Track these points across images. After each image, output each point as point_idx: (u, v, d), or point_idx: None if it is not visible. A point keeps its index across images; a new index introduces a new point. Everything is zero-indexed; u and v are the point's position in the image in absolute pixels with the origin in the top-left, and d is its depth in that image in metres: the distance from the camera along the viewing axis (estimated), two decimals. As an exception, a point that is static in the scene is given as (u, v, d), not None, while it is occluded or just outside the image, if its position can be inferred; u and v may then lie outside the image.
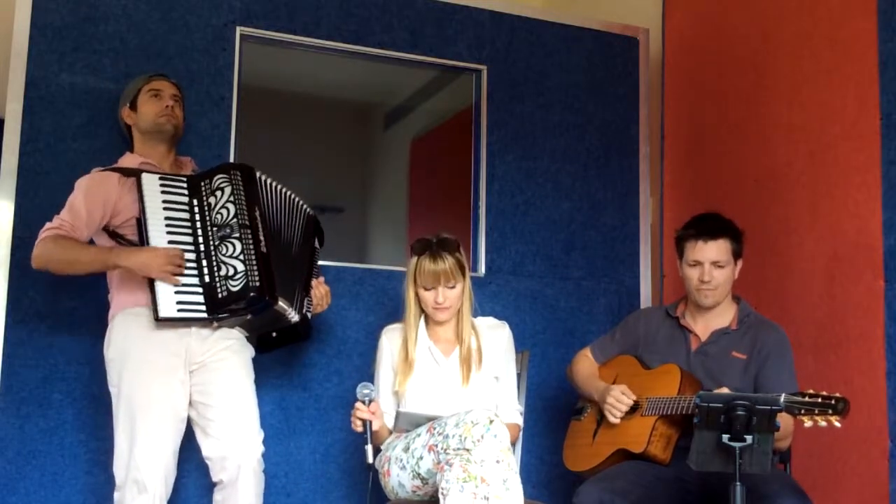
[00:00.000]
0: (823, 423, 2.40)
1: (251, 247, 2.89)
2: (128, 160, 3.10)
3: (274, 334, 3.11)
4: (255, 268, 2.86)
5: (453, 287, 2.94)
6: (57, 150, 3.30)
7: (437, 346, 3.01)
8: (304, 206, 3.18)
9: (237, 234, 2.90)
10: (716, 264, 2.99)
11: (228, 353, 2.99)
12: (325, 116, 5.47)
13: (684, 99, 4.11)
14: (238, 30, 3.58)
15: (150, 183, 2.94)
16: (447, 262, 2.92)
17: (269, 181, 3.07)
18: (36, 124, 3.30)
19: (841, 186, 3.26)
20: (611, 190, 4.04)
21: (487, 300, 3.66)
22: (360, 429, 2.81)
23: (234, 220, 2.91)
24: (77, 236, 2.92)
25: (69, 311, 3.26)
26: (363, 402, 2.83)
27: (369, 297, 3.61)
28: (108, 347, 2.96)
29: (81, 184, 2.99)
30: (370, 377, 3.04)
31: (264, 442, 3.06)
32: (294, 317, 2.99)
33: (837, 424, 2.40)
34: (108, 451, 3.19)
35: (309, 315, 3.09)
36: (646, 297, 4.02)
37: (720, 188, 3.82)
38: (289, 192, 3.13)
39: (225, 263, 2.88)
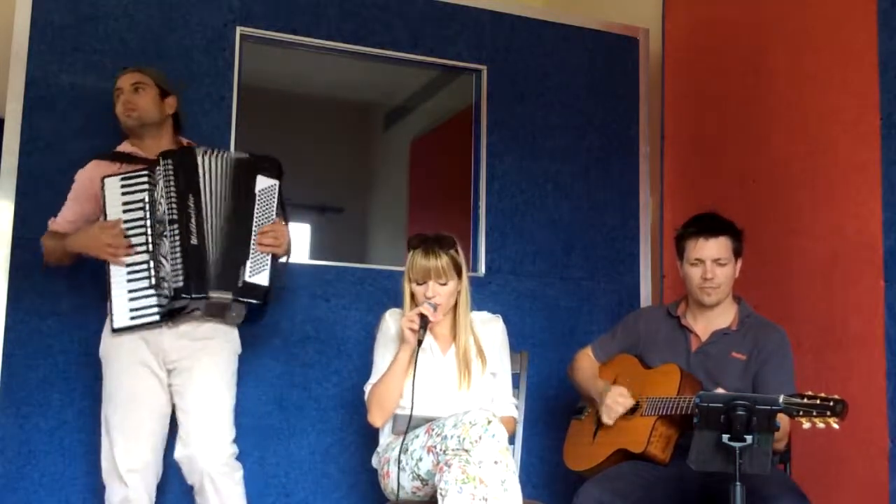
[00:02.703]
0: (822, 425, 2.40)
1: (177, 243, 2.87)
2: (123, 146, 3.13)
3: (233, 313, 3.00)
4: (179, 266, 2.85)
5: (444, 284, 2.93)
6: (57, 150, 3.30)
7: (435, 342, 3.01)
8: (243, 157, 3.04)
9: (166, 232, 2.89)
10: (717, 262, 2.99)
11: (203, 354, 2.97)
12: (325, 116, 5.48)
13: (684, 98, 4.11)
14: (238, 30, 3.58)
15: (112, 187, 2.94)
16: (440, 259, 2.91)
17: (209, 158, 2.98)
18: (36, 124, 3.30)
19: (841, 186, 3.26)
20: (611, 190, 4.05)
21: (487, 300, 3.66)
22: (415, 327, 2.84)
23: (165, 215, 2.90)
24: (63, 229, 2.99)
25: (69, 311, 3.26)
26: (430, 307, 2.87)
27: (369, 297, 3.61)
28: (100, 346, 3.02)
29: (76, 176, 3.08)
30: (370, 374, 3.03)
31: (265, 442, 3.07)
32: (227, 297, 2.90)
33: (836, 426, 2.40)
34: (108, 451, 3.20)
35: (259, 279, 2.94)
36: (646, 297, 4.02)
37: (720, 188, 3.82)
38: (228, 155, 3.03)
39: (161, 264, 2.89)
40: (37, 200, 3.25)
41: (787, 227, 3.47)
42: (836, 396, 2.41)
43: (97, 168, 3.03)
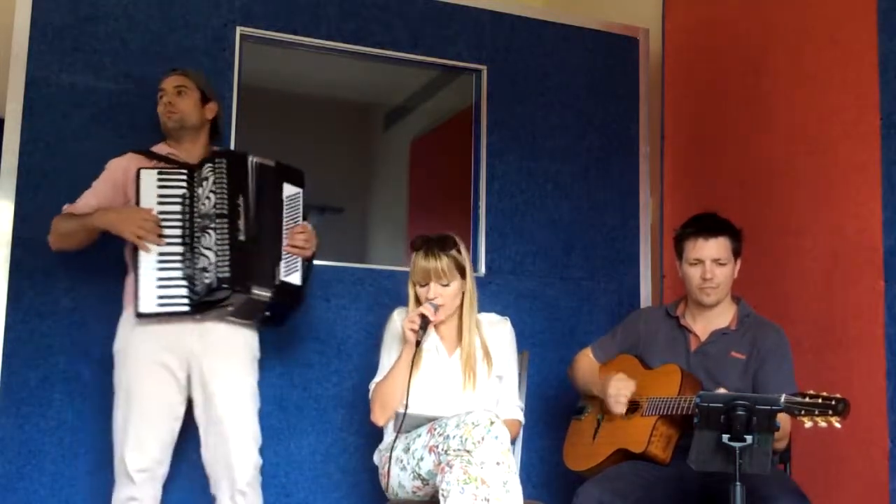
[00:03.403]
0: (824, 424, 2.40)
1: (225, 236, 2.88)
2: (159, 147, 3.15)
3: (267, 313, 3.04)
4: (226, 258, 2.86)
5: (447, 285, 2.93)
6: (57, 150, 3.30)
7: (441, 344, 3.01)
8: (269, 164, 3.07)
9: (214, 225, 2.89)
10: (717, 262, 2.99)
11: (230, 360, 2.99)
12: (325, 116, 5.48)
13: (684, 99, 4.11)
14: (238, 30, 3.58)
15: (148, 179, 2.96)
16: (440, 261, 2.91)
17: (257, 162, 3.02)
18: (36, 124, 3.30)
19: (841, 186, 3.26)
20: (611, 190, 4.05)
21: (487, 300, 3.66)
22: (415, 327, 2.84)
23: (213, 209, 2.91)
24: (83, 211, 2.98)
25: (69, 311, 3.26)
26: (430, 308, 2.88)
27: (369, 297, 3.61)
28: (115, 340, 3.02)
29: (109, 164, 3.09)
30: (370, 376, 3.04)
31: (265, 442, 3.07)
32: (267, 295, 2.92)
33: (837, 425, 2.40)
34: (109, 450, 3.20)
35: (293, 279, 3.00)
36: (646, 297, 4.02)
37: (720, 188, 3.82)
38: (266, 162, 3.06)
39: (202, 255, 2.89)
40: (37, 200, 3.25)
41: (787, 227, 3.47)
42: (837, 396, 2.41)
43: (133, 160, 3.05)
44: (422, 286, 2.94)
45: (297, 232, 3.01)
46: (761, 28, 3.69)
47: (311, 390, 3.51)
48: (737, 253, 3.04)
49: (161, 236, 2.89)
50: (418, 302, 2.96)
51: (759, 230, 3.47)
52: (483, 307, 3.18)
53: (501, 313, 3.15)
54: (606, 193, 4.04)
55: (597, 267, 3.97)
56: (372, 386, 2.98)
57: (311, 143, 5.29)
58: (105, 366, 3.25)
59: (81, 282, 3.25)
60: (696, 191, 3.97)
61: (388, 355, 3.00)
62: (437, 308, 2.90)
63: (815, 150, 3.39)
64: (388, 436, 2.96)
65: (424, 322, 2.86)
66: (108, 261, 3.13)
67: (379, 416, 2.93)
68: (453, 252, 2.95)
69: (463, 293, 2.98)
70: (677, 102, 4.14)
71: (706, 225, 3.03)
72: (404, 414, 2.80)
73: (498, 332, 3.07)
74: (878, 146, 3.09)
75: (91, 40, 3.40)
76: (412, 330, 2.86)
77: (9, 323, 3.19)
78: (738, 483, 2.29)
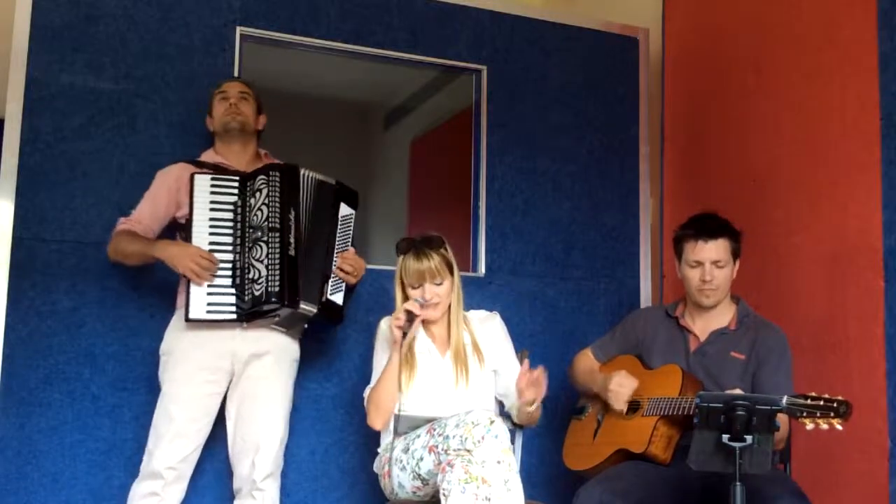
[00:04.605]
0: (825, 426, 2.40)
1: (277, 250, 2.95)
2: (207, 156, 3.21)
3: (307, 326, 3.16)
4: (276, 272, 2.92)
5: (440, 284, 2.94)
6: (57, 150, 3.30)
7: (433, 345, 3.01)
8: (330, 182, 3.17)
9: (265, 238, 2.96)
10: (716, 264, 2.99)
11: (272, 362, 3.07)
12: (325, 116, 5.48)
13: (684, 99, 4.11)
14: (238, 30, 3.58)
15: (202, 183, 3.02)
16: (432, 260, 2.92)
17: (309, 176, 3.10)
18: (36, 124, 3.29)
19: (841, 186, 3.26)
20: (611, 190, 4.05)
21: (487, 300, 3.66)
22: (400, 323, 2.84)
23: (265, 222, 2.97)
24: (139, 228, 3.06)
25: (69, 310, 3.25)
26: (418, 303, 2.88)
27: (369, 297, 3.60)
28: (163, 342, 3.09)
29: (156, 177, 3.15)
30: (370, 375, 3.03)
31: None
32: (313, 310, 3.01)
33: (839, 427, 2.39)
34: (108, 451, 3.21)
35: (338, 298, 3.11)
36: (646, 297, 4.02)
37: (720, 188, 3.82)
38: (320, 178, 3.14)
39: (253, 267, 2.96)
40: (37, 200, 3.25)
41: (787, 227, 3.47)
42: (839, 398, 2.40)
43: (185, 170, 3.10)
44: (415, 288, 2.94)
45: (347, 257, 3.11)
46: (761, 28, 3.69)
47: (311, 390, 3.51)
48: (736, 254, 3.04)
49: (213, 275, 2.95)
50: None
51: (759, 230, 3.47)
52: (483, 307, 3.18)
53: (502, 313, 3.14)
54: (606, 193, 4.04)
55: (597, 267, 3.97)
56: (366, 393, 2.98)
57: (311, 143, 5.28)
58: (105, 366, 3.26)
59: (81, 282, 3.25)
60: (696, 191, 3.97)
61: (379, 362, 3.00)
62: (423, 304, 2.89)
63: (815, 150, 3.39)
64: (385, 439, 2.96)
65: (410, 317, 2.87)
66: (109, 261, 3.15)
67: (375, 420, 2.93)
68: (442, 251, 2.96)
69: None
70: (677, 102, 4.14)
71: (706, 227, 3.03)
72: (398, 416, 2.81)
73: (488, 327, 3.07)
74: (878, 146, 3.09)
75: (91, 40, 3.39)
76: (398, 327, 2.86)
77: (9, 323, 3.19)
78: (738, 483, 2.29)
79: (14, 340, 3.19)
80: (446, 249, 2.97)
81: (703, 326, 3.07)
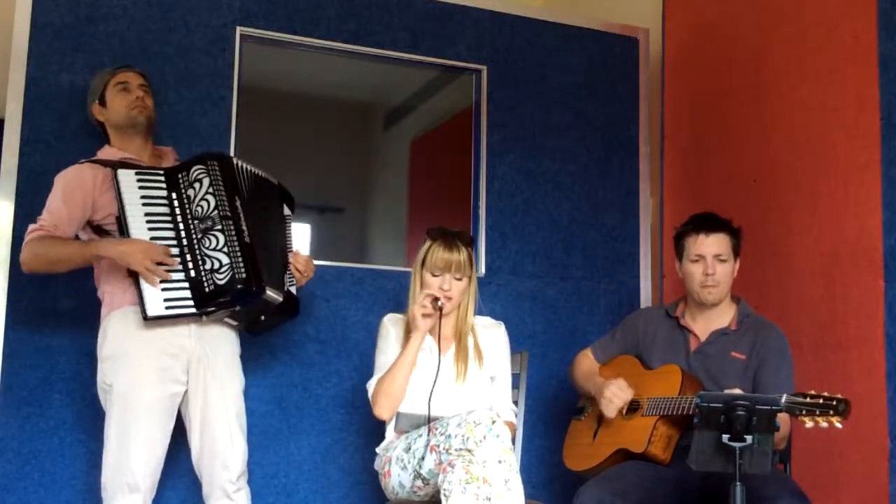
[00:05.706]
0: (825, 424, 2.40)
1: (234, 238, 2.88)
2: (107, 153, 3.07)
3: (262, 318, 3.06)
4: (240, 259, 2.86)
5: (460, 279, 2.94)
6: (57, 150, 3.30)
7: (435, 344, 3.00)
8: (273, 181, 3.16)
9: (219, 227, 2.89)
10: (718, 258, 2.99)
11: (226, 359, 3.00)
12: (324, 116, 5.47)
13: (684, 99, 4.11)
14: (238, 30, 3.58)
15: (127, 178, 2.90)
16: (462, 254, 2.93)
17: (245, 167, 3.05)
18: (36, 124, 3.29)
19: (841, 186, 3.26)
20: (611, 190, 4.04)
21: (487, 300, 3.65)
22: (427, 309, 2.86)
23: (215, 212, 2.90)
24: (59, 234, 2.90)
25: (69, 311, 3.25)
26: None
27: (369, 297, 3.61)
28: (102, 346, 2.94)
29: (59, 180, 2.97)
30: (370, 375, 3.03)
31: (265, 442, 3.07)
32: (279, 298, 2.96)
33: (838, 425, 2.40)
34: (109, 451, 3.20)
35: (294, 290, 3.08)
36: (646, 297, 4.02)
37: (720, 188, 3.82)
38: (259, 173, 3.10)
39: (209, 257, 2.87)
40: (37, 200, 3.22)
41: (787, 227, 3.47)
42: (839, 396, 2.41)
43: (96, 169, 2.97)
44: (435, 276, 2.93)
45: (299, 257, 3.09)
46: (761, 28, 3.70)
47: (311, 390, 3.51)
48: (736, 251, 3.04)
49: (161, 264, 2.85)
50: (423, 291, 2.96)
51: (759, 230, 3.47)
52: (483, 307, 3.18)
53: (501, 313, 3.15)
54: (606, 193, 4.03)
55: (597, 267, 3.97)
56: (370, 385, 2.96)
57: (311, 143, 5.28)
58: (98, 365, 3.25)
59: (81, 282, 3.24)
60: (696, 191, 3.97)
61: (384, 355, 2.99)
62: (440, 300, 2.90)
63: (815, 150, 3.39)
64: (386, 439, 2.96)
65: (436, 306, 2.86)
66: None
67: (385, 410, 2.90)
68: (469, 249, 2.97)
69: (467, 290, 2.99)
70: (677, 102, 4.14)
71: (706, 222, 3.04)
72: (399, 414, 2.80)
73: (492, 335, 3.07)
74: (878, 146, 3.09)
75: (91, 40, 3.39)
76: (424, 315, 2.85)
77: (9, 323, 3.19)
78: (738, 483, 2.29)
79: (14, 340, 3.19)
80: (472, 249, 2.98)
81: (703, 326, 3.07)
